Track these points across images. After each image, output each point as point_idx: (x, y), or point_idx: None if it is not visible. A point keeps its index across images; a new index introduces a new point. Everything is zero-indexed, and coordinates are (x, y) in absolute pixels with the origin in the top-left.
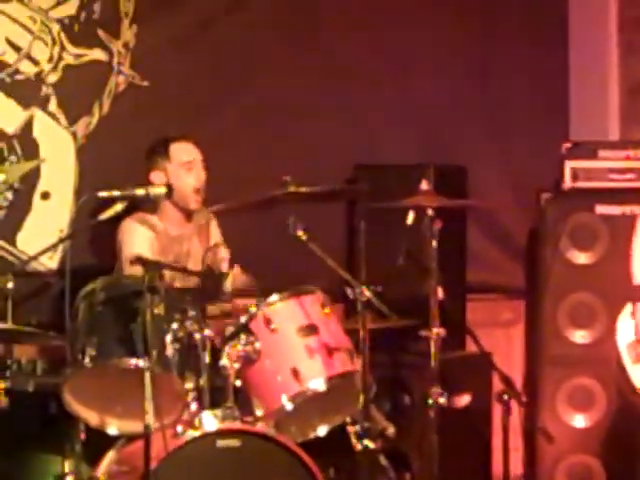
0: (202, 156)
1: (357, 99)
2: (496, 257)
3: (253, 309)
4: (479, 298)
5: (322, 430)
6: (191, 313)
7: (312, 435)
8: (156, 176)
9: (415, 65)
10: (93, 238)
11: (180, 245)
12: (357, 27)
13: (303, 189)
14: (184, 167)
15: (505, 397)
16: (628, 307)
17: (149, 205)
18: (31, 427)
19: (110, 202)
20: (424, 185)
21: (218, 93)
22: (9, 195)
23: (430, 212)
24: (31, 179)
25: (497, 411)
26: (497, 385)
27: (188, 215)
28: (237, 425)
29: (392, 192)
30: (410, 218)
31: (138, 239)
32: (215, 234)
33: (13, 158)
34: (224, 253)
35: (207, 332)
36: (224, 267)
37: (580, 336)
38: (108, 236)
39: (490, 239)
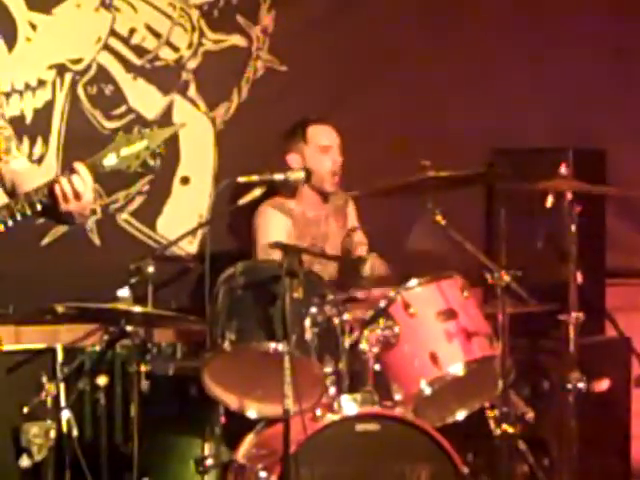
0: (339, 139)
1: (496, 84)
2: (636, 241)
3: (392, 293)
4: (618, 282)
5: (460, 415)
6: (330, 297)
7: (450, 420)
8: (292, 158)
9: (549, 49)
10: (232, 223)
11: (317, 227)
12: (493, 14)
13: (442, 174)
14: (321, 150)
15: None
16: None
17: (287, 188)
18: (171, 410)
19: (249, 187)
20: (563, 169)
21: (357, 77)
22: (146, 163)
23: (569, 196)
24: (171, 164)
25: (636, 396)
26: (636, 369)
27: (324, 197)
28: (376, 409)
29: (531, 176)
30: (549, 202)
31: (274, 226)
32: (352, 217)
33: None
34: (361, 237)
35: (346, 316)
36: (362, 251)
37: None
38: (247, 220)
39: (629, 223)
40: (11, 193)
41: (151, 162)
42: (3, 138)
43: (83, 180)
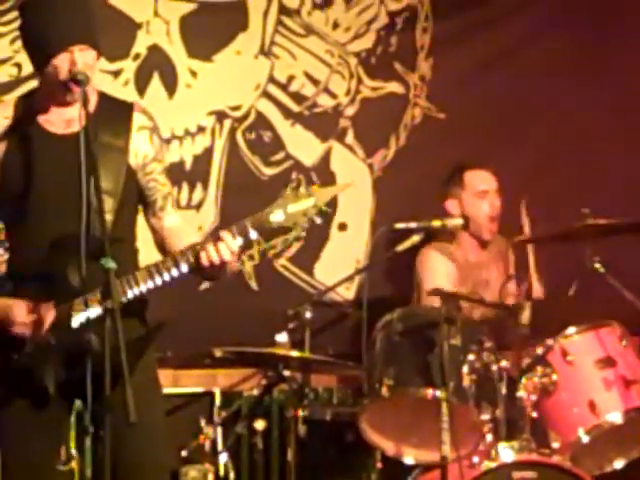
0: (497, 184)
1: None
2: None
3: (550, 341)
4: None
5: (619, 464)
6: (487, 344)
7: (608, 468)
8: (451, 204)
9: None
10: (389, 269)
11: (479, 272)
12: None
13: (601, 221)
14: (478, 195)
15: None
16: None
17: (445, 234)
18: (328, 456)
19: (406, 233)
20: None
21: (516, 123)
22: (312, 220)
23: None
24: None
25: None
26: None
27: (483, 243)
28: (533, 457)
29: None
30: None
31: (438, 269)
32: (512, 264)
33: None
34: (535, 284)
35: (504, 363)
36: (520, 298)
37: None
38: (404, 267)
39: None
40: (161, 248)
41: (317, 220)
42: (161, 196)
43: (229, 248)
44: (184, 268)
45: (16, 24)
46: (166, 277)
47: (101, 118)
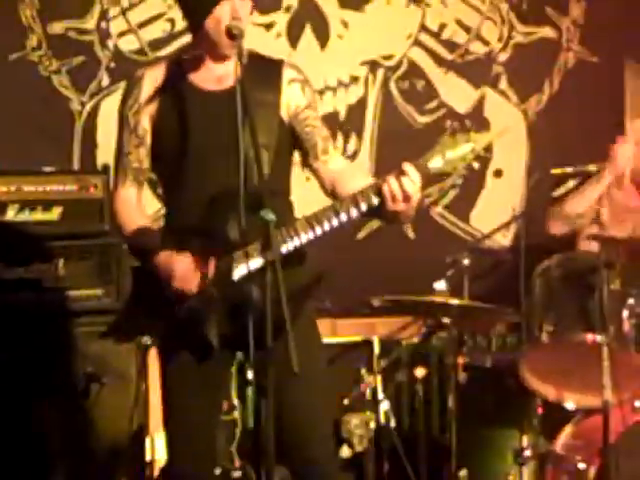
0: None
1: None
2: None
3: None
4: None
5: None
6: None
7: None
8: (618, 146)
9: None
10: (546, 215)
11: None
12: None
13: None
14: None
15: None
16: None
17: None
18: (488, 402)
19: (563, 179)
20: None
21: None
22: (470, 165)
23: None
24: (484, 157)
25: None
26: None
27: None
28: None
29: None
30: None
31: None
32: None
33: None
34: None
35: None
36: None
37: None
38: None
39: None
40: (332, 193)
41: (474, 164)
42: (321, 138)
43: (413, 182)
44: (364, 207)
45: None
46: (344, 218)
47: (252, 75)
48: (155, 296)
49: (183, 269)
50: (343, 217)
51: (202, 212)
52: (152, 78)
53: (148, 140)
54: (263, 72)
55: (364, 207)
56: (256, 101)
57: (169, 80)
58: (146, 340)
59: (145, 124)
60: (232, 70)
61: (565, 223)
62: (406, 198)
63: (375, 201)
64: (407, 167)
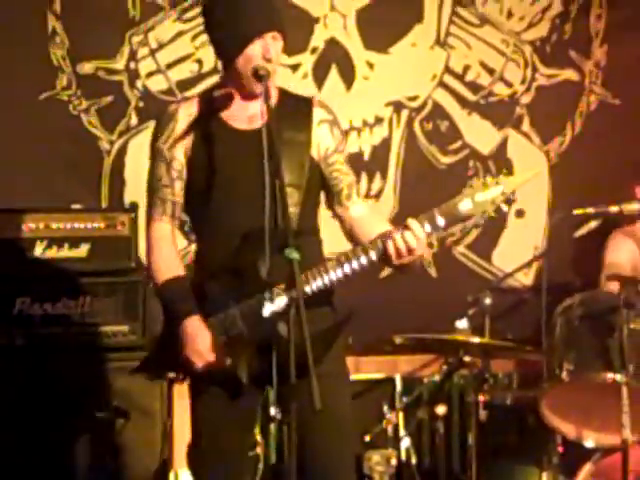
0: None
1: None
2: None
3: None
4: None
5: None
6: None
7: None
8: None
9: None
10: (567, 254)
11: None
12: None
13: None
14: None
15: None
16: None
17: (628, 219)
18: (509, 439)
19: (584, 219)
20: None
21: None
22: (500, 208)
23: None
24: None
25: None
26: None
27: None
28: None
29: None
30: None
31: (621, 248)
32: None
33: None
34: None
35: None
36: None
37: None
38: (582, 252)
39: None
40: (350, 237)
41: (505, 207)
42: (346, 185)
43: (416, 237)
44: (373, 256)
45: (197, 21)
46: (355, 266)
47: (282, 113)
48: None
49: (201, 347)
50: (355, 264)
51: (232, 251)
52: (186, 113)
53: (184, 175)
54: (294, 111)
55: (374, 257)
56: (287, 140)
57: (202, 116)
58: (171, 375)
59: (181, 158)
60: (261, 110)
61: None
62: (410, 251)
63: (375, 257)
64: (411, 222)
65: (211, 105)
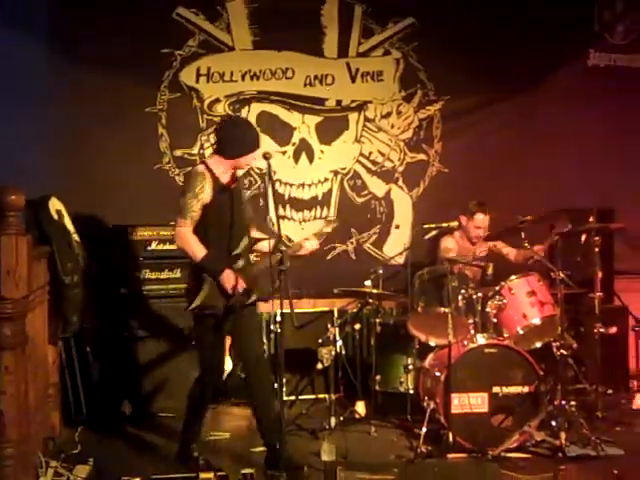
0: (488, 222)
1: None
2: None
3: (502, 283)
4: (621, 277)
5: (538, 344)
6: (471, 285)
7: (533, 347)
8: (462, 219)
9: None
10: (422, 248)
11: (468, 252)
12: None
13: (528, 218)
14: (476, 227)
15: (637, 329)
16: None
17: (455, 230)
18: (392, 341)
19: (429, 230)
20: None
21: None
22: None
23: (594, 233)
24: (389, 218)
25: (632, 337)
26: (631, 322)
27: (472, 242)
28: (494, 341)
29: (574, 224)
30: (583, 238)
31: (448, 245)
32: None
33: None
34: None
35: (479, 294)
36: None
37: None
38: (429, 246)
39: (624, 246)
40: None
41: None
42: (251, 216)
43: (312, 244)
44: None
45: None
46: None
47: (242, 181)
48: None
49: (233, 279)
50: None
51: (224, 241)
52: (207, 176)
53: (201, 205)
54: (242, 179)
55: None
56: (243, 195)
57: (213, 179)
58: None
59: (204, 198)
60: (234, 176)
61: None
62: (308, 250)
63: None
64: (310, 237)
65: (213, 172)
